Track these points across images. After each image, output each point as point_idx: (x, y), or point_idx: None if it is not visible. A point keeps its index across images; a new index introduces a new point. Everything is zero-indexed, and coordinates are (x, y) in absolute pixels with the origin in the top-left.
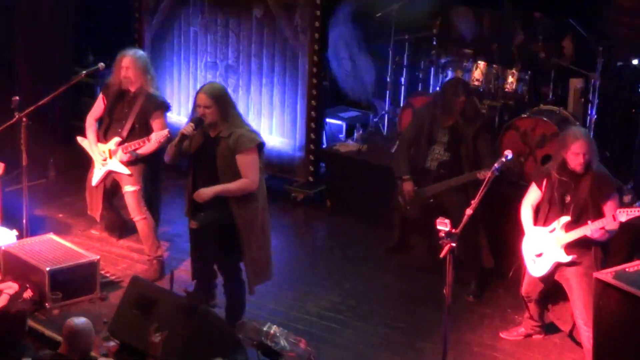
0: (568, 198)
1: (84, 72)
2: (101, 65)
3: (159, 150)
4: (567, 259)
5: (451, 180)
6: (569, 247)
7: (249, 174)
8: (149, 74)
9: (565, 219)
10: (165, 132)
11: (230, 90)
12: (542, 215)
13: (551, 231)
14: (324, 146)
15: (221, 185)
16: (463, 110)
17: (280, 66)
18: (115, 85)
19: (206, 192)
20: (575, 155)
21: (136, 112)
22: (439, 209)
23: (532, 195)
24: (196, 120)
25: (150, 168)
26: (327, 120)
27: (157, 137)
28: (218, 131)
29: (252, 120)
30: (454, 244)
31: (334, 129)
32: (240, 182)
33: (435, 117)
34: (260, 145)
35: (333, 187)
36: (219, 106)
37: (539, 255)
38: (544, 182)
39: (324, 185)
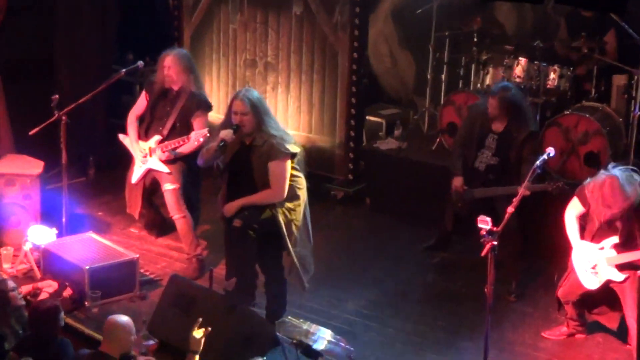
0: (618, 223)
1: (124, 70)
2: (140, 63)
3: (199, 149)
4: (621, 277)
5: (499, 188)
6: (621, 266)
7: (274, 185)
8: (193, 73)
9: (614, 240)
10: (205, 131)
11: (269, 88)
12: (589, 232)
13: (600, 249)
14: (363, 144)
15: (246, 197)
16: (513, 117)
17: (319, 63)
18: (158, 83)
19: (232, 205)
20: (608, 208)
21: (178, 110)
22: (489, 212)
23: (577, 209)
24: (235, 126)
25: (189, 167)
26: (367, 117)
27: (196, 136)
28: (252, 139)
29: (291, 118)
30: (495, 243)
31: (373, 126)
32: (264, 192)
33: (485, 122)
34: (294, 155)
35: (373, 185)
36: (255, 113)
37: (594, 267)
38: (588, 204)
39: (364, 184)
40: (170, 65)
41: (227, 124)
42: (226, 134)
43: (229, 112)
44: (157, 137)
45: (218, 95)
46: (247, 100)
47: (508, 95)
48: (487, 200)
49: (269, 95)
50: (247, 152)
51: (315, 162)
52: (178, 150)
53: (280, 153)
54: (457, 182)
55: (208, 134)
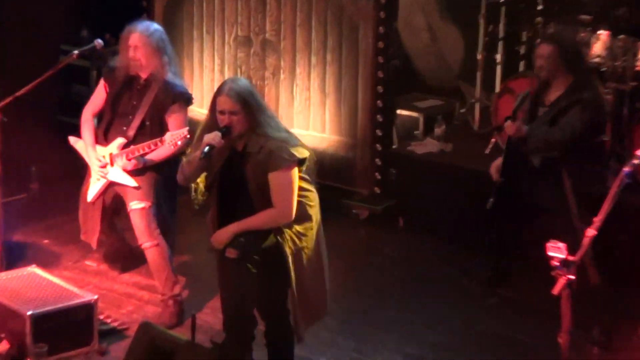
0: None
1: (76, 52)
2: (98, 42)
3: (176, 156)
4: None
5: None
6: None
7: (278, 202)
8: (166, 55)
9: None
10: (184, 131)
11: (268, 74)
12: None
13: None
14: (394, 146)
15: (241, 222)
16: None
17: (334, 41)
18: (121, 69)
19: (223, 235)
20: None
21: (148, 105)
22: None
23: None
24: (224, 129)
25: (163, 178)
26: (398, 111)
27: (172, 138)
28: (245, 143)
29: (298, 113)
30: (572, 277)
31: (407, 123)
32: (265, 213)
33: (539, 92)
34: (301, 161)
35: (407, 201)
36: (247, 111)
37: None
38: None
39: (395, 199)
40: (137, 45)
41: (211, 126)
42: (212, 137)
43: (212, 111)
44: (120, 140)
45: (201, 85)
46: (235, 95)
47: (565, 38)
48: (530, 208)
49: (268, 84)
50: (240, 161)
51: (330, 171)
52: (148, 157)
53: (282, 160)
54: (510, 127)
55: (187, 135)
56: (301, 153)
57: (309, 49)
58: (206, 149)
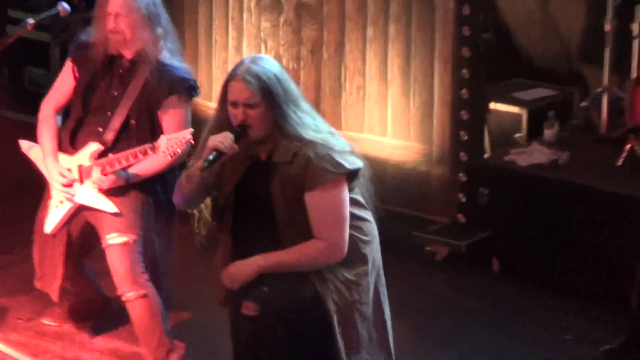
0: None
1: (31, 20)
2: (62, 7)
3: (174, 170)
4: None
5: None
6: None
7: (322, 232)
8: (159, 25)
9: None
10: (185, 134)
11: (306, 52)
12: None
13: None
14: (485, 155)
15: (270, 255)
16: None
17: (400, 5)
18: (96, 46)
19: (242, 270)
20: None
21: (134, 96)
22: None
23: None
24: (237, 129)
25: (156, 202)
26: (492, 106)
27: (169, 143)
28: (270, 150)
29: (348, 108)
30: None
31: (505, 122)
32: (305, 248)
33: None
34: (352, 174)
35: (504, 234)
36: (272, 104)
37: None
38: None
39: (487, 231)
40: (118, 13)
41: (220, 125)
42: (220, 140)
43: (223, 103)
44: (94, 147)
45: (209, 67)
46: (255, 80)
47: None
48: None
49: (305, 66)
50: (263, 176)
51: (394, 190)
52: (133, 171)
53: (325, 173)
54: None
55: (190, 140)
56: (352, 163)
57: (363, 17)
58: (211, 156)
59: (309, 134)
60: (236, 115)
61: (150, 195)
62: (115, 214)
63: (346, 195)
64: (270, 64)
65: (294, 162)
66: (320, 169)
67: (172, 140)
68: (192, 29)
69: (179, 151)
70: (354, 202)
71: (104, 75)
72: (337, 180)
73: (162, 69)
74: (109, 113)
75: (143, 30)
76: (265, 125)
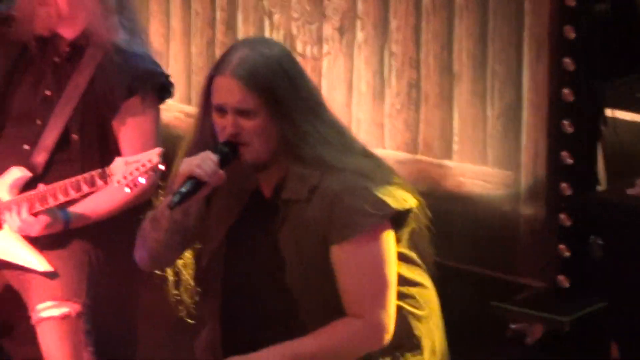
0: None
1: None
2: None
3: (137, 211)
4: None
5: None
6: None
7: (364, 303)
8: None
9: None
10: (153, 155)
11: (331, 32)
12: None
13: None
14: (598, 187)
15: (287, 344)
16: None
17: None
18: (20, 23)
19: None
20: None
21: (76, 97)
22: None
23: None
24: (223, 148)
25: (110, 257)
26: (610, 113)
27: (127, 169)
28: (276, 180)
29: (392, 117)
30: None
31: (629, 137)
32: (338, 328)
33: None
34: (401, 217)
35: (626, 306)
36: (277, 112)
37: None
38: None
39: (602, 301)
40: None
41: (203, 140)
42: (200, 163)
43: (205, 108)
44: (17, 173)
45: (187, 56)
46: (251, 75)
47: None
48: None
49: (330, 51)
50: (266, 220)
51: (464, 239)
52: (76, 211)
53: (361, 217)
54: None
55: (160, 164)
56: (401, 200)
57: None
58: (184, 188)
59: (334, 158)
60: (224, 126)
61: (102, 247)
62: (48, 275)
63: (392, 249)
64: (275, 51)
65: (312, 201)
66: (353, 211)
67: (132, 164)
68: (160, 5)
69: (142, 181)
70: (403, 259)
71: (31, 65)
72: (377, 227)
73: (117, 58)
74: (39, 122)
75: (87, 1)
76: (267, 143)
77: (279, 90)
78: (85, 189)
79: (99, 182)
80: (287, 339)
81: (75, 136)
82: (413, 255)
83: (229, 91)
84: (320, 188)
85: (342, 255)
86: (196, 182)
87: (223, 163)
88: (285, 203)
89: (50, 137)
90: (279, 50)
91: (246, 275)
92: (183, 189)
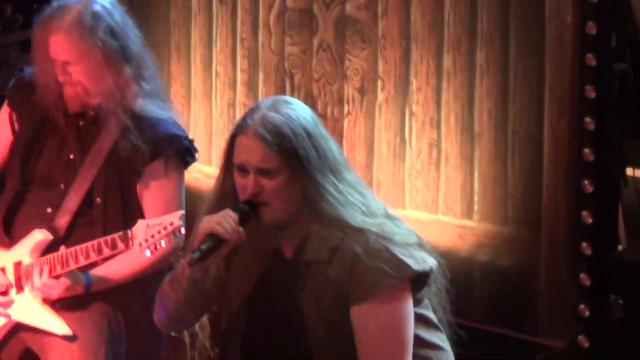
0: None
1: None
2: None
3: (158, 276)
4: None
5: None
6: None
7: None
8: (129, 60)
9: None
10: (175, 217)
11: (352, 91)
12: None
13: None
14: (620, 248)
15: None
16: None
17: (493, 20)
18: (45, 95)
19: None
20: None
21: (99, 162)
22: None
23: None
24: (243, 206)
25: (130, 321)
26: (631, 172)
27: (149, 232)
28: (297, 241)
29: (413, 177)
30: None
31: None
32: None
33: None
34: (421, 278)
35: None
36: (299, 172)
37: None
38: None
39: None
40: (67, 61)
41: (224, 200)
42: (220, 220)
43: (226, 167)
44: (39, 236)
45: (208, 117)
46: (273, 135)
47: None
48: None
49: (351, 112)
50: (287, 281)
51: (484, 300)
52: (98, 274)
53: (382, 278)
54: None
55: (181, 228)
56: (421, 262)
57: (437, 38)
58: (204, 245)
59: (356, 219)
60: (245, 185)
61: (121, 311)
62: (67, 338)
63: (411, 311)
64: (298, 111)
65: (333, 261)
66: (373, 271)
67: (154, 227)
68: (182, 56)
69: (163, 244)
70: (421, 320)
71: (55, 129)
72: (397, 288)
73: (139, 123)
74: (62, 186)
75: (106, 74)
76: (287, 203)
77: (301, 150)
78: (107, 251)
79: (121, 245)
80: None
81: (98, 199)
82: (432, 316)
83: (251, 151)
84: (341, 249)
85: (361, 315)
86: (216, 240)
87: (243, 221)
88: (306, 264)
89: (73, 201)
90: (301, 110)
91: (267, 337)
92: (203, 246)
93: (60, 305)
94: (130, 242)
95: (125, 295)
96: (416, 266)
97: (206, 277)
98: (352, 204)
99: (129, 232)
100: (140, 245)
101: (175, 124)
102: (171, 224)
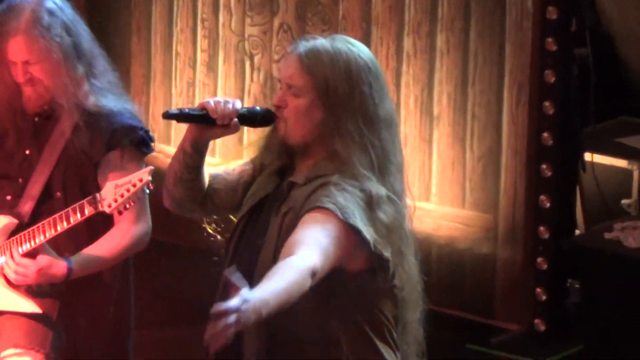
0: None
1: None
2: None
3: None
4: None
5: None
6: None
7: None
8: (80, 58)
9: None
10: (144, 174)
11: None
12: None
13: None
14: (577, 233)
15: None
16: None
17: (453, 3)
18: (8, 106)
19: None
20: None
21: (55, 156)
22: None
23: None
24: (256, 109)
25: (82, 307)
26: (589, 157)
27: (118, 192)
28: (308, 169)
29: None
30: None
31: (606, 183)
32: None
33: None
34: (371, 249)
35: (603, 350)
36: (326, 105)
37: None
38: None
39: (579, 344)
40: (27, 60)
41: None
42: (222, 100)
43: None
44: (3, 221)
45: (167, 95)
46: (311, 60)
47: None
48: None
49: None
50: (275, 206)
51: (441, 282)
52: (82, 257)
53: (333, 204)
54: None
55: (150, 184)
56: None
57: (397, 21)
58: (188, 109)
59: (361, 166)
60: (275, 99)
61: (75, 302)
62: (27, 314)
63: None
64: (350, 50)
65: (306, 185)
66: (329, 194)
67: (123, 186)
68: (143, 36)
69: (132, 203)
70: (379, 334)
71: (11, 126)
72: (339, 221)
73: (94, 118)
74: (21, 180)
75: (64, 72)
76: (303, 127)
77: (332, 81)
78: (76, 218)
79: (89, 208)
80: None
81: (59, 194)
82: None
83: (288, 66)
84: (321, 178)
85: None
86: (205, 114)
87: (246, 119)
88: (290, 186)
89: (34, 189)
90: (355, 51)
91: (241, 259)
92: (187, 109)
93: (30, 288)
94: (99, 204)
95: (78, 287)
96: (368, 235)
97: (197, 154)
98: (367, 154)
99: (97, 195)
100: (109, 205)
101: (131, 115)
102: (140, 180)
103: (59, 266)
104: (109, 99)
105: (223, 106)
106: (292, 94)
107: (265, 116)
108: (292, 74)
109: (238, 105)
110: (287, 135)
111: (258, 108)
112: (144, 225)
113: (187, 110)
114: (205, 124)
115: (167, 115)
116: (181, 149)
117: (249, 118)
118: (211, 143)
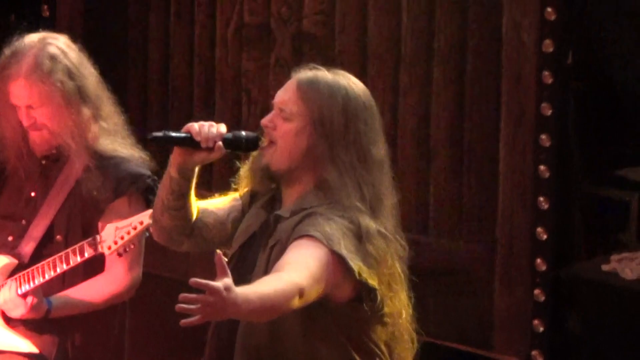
0: None
1: None
2: None
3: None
4: None
5: None
6: None
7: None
8: (86, 99)
9: None
10: (144, 216)
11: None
12: None
13: None
14: (575, 266)
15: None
16: None
17: (449, 37)
18: (7, 140)
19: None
20: None
21: (60, 200)
22: None
23: None
24: (241, 133)
25: (85, 346)
26: (586, 189)
27: (119, 234)
28: (296, 200)
29: None
30: None
31: (605, 213)
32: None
33: None
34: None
35: None
36: (319, 135)
37: None
38: None
39: None
40: (30, 105)
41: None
42: (207, 124)
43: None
44: (4, 261)
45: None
46: (307, 90)
47: None
48: None
49: None
50: (263, 240)
51: (437, 314)
52: (63, 300)
53: (320, 233)
54: None
55: (148, 231)
56: (363, 269)
57: (394, 55)
58: (173, 132)
59: (349, 202)
60: (266, 124)
61: (72, 341)
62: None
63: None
64: (350, 85)
65: (291, 218)
66: (316, 223)
67: (123, 229)
68: (139, 71)
69: (132, 246)
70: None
71: (17, 168)
72: (326, 251)
73: (102, 163)
74: (24, 222)
75: (67, 116)
76: (290, 153)
77: (327, 111)
78: (75, 260)
79: (89, 250)
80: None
81: (59, 237)
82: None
83: (285, 90)
84: (307, 211)
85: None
86: (189, 138)
87: (230, 143)
88: (275, 218)
89: (37, 230)
90: (353, 87)
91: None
92: (172, 132)
93: (28, 326)
94: (99, 246)
95: (77, 326)
96: (352, 264)
97: (184, 181)
98: (359, 189)
99: (97, 236)
100: (109, 248)
101: (138, 162)
102: (141, 223)
103: (42, 307)
104: (117, 142)
105: (207, 129)
106: (282, 118)
107: (251, 140)
108: (287, 99)
109: (223, 129)
110: (272, 161)
111: (243, 132)
112: (137, 274)
113: (171, 133)
114: (189, 146)
115: (152, 138)
116: (167, 174)
117: (234, 142)
118: (207, 175)
